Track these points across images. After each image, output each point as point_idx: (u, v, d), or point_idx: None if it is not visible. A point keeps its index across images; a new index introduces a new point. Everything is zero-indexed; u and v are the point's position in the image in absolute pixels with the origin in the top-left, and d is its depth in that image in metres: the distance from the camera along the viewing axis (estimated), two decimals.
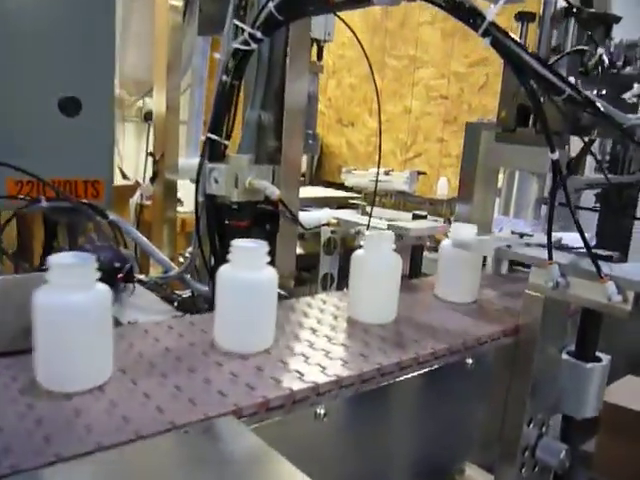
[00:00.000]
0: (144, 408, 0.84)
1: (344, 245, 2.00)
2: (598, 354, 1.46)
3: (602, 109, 1.23)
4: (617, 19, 1.63)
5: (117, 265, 1.45)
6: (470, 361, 1.24)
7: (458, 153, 5.91)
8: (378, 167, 1.95)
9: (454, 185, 5.76)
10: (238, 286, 1.11)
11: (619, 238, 2.13)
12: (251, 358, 1.06)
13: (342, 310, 1.39)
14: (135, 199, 2.56)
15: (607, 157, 2.64)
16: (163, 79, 2.22)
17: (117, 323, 1.35)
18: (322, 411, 0.98)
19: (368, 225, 1.60)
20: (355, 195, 2.05)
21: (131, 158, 5.08)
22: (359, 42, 2.30)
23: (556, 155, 1.16)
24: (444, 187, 5.69)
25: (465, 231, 1.48)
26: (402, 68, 6.35)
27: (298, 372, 1.02)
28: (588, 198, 4.24)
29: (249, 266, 1.09)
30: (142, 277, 1.79)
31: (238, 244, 1.10)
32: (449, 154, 6.01)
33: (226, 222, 1.54)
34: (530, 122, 1.58)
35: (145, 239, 1.73)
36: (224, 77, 1.45)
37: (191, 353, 1.06)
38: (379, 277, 1.34)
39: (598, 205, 2.37)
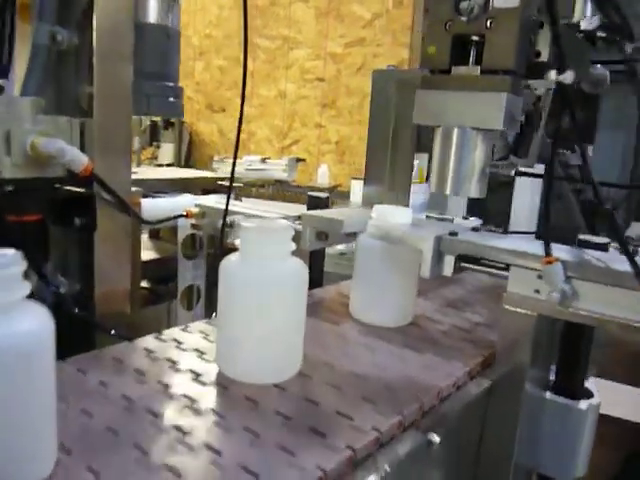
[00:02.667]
0: None
1: (213, 245, 1.41)
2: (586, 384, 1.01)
3: None
4: None
5: None
6: (436, 438, 0.71)
7: (338, 139, 5.46)
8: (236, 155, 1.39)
9: (334, 173, 5.33)
10: None
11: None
12: None
13: (209, 356, 0.80)
14: None
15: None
16: None
17: None
18: None
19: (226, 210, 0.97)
20: (223, 176, 1.46)
21: None
22: None
23: (569, 76, 0.67)
24: (325, 175, 5.22)
25: (395, 217, 0.97)
26: (275, 49, 5.79)
27: None
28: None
29: None
30: None
31: None
32: (328, 140, 5.56)
33: None
34: (471, 58, 1.08)
35: None
36: None
37: None
38: (265, 302, 0.71)
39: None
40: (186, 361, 0.77)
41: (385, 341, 0.90)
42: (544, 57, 0.98)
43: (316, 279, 1.27)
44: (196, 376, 0.73)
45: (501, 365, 0.82)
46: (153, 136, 5.11)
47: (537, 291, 0.78)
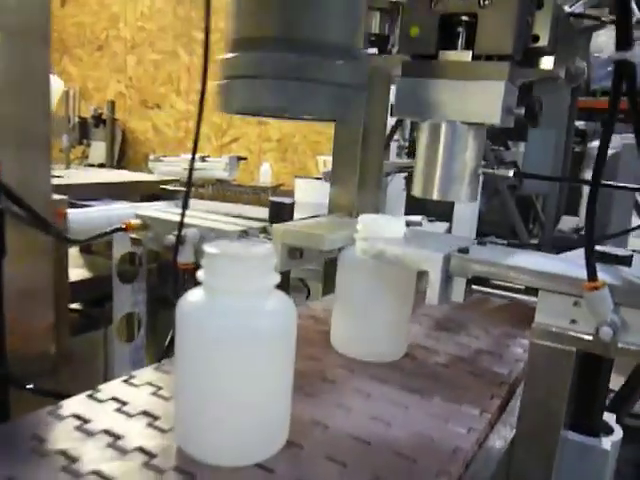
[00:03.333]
0: None
1: (157, 263, 1.18)
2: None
3: None
4: None
5: None
6: None
7: (280, 137, 5.26)
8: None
9: (276, 171, 5.12)
10: None
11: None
12: None
13: (164, 422, 0.58)
14: None
15: (406, 143, 2.51)
16: None
17: None
18: None
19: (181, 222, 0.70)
20: (168, 178, 1.21)
21: None
22: None
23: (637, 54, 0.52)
24: (267, 174, 5.00)
25: (386, 230, 0.79)
26: (213, 43, 5.45)
27: None
28: (399, 182, 3.91)
29: None
30: None
31: None
32: (269, 138, 5.34)
33: None
34: (460, 41, 0.92)
35: None
36: None
37: None
38: (246, 361, 0.49)
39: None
40: (133, 434, 0.56)
41: (379, 382, 0.72)
42: (543, 42, 0.83)
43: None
44: (149, 458, 0.53)
45: (530, 411, 0.67)
46: (83, 134, 4.74)
47: (574, 321, 0.62)
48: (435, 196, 0.91)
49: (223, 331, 0.45)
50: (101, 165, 5.02)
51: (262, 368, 0.49)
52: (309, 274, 1.98)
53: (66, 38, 5.68)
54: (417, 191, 0.93)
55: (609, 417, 0.86)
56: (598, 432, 0.82)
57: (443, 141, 0.89)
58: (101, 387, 0.66)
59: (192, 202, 2.03)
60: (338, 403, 0.66)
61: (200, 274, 0.50)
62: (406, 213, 3.97)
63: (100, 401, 0.63)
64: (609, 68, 5.14)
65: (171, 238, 0.85)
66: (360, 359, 0.79)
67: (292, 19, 0.62)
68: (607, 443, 0.80)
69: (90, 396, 0.64)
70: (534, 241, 4.03)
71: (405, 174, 3.80)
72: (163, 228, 0.93)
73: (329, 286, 1.15)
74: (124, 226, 0.94)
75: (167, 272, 0.90)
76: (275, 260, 0.50)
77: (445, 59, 0.87)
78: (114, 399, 0.63)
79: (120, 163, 5.41)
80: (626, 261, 0.74)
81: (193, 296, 0.50)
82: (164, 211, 0.99)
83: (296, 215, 2.87)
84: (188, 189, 0.67)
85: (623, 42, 0.47)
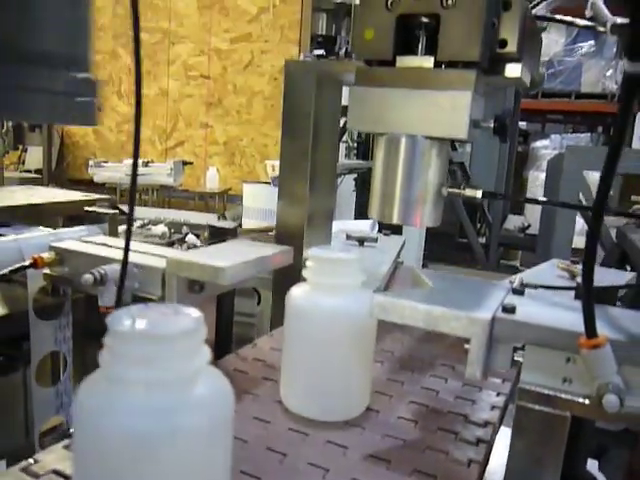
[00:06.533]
0: None
1: (86, 293, 1.02)
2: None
3: None
4: None
5: None
6: None
7: (226, 140, 5.09)
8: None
9: (224, 175, 4.95)
10: None
11: None
12: None
13: None
14: None
15: (354, 144, 2.60)
16: None
17: None
18: None
19: (125, 263, 0.56)
20: (97, 196, 1.04)
21: None
22: None
23: None
24: (214, 179, 4.81)
25: (344, 269, 0.65)
26: (155, 43, 5.21)
27: None
28: (349, 183, 3.85)
29: None
30: None
31: None
32: (216, 141, 5.15)
33: None
34: (420, 46, 0.80)
35: None
36: None
37: None
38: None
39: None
40: None
41: (340, 452, 0.60)
42: (511, 47, 0.72)
43: (224, 338, 0.92)
44: None
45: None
46: (17, 139, 4.44)
47: (567, 380, 0.52)
48: (395, 220, 0.79)
49: (126, 435, 0.33)
50: (37, 171, 4.73)
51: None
52: (259, 282, 1.85)
53: None
54: (374, 213, 0.82)
55: (591, 465, 0.77)
56: None
57: (403, 157, 0.78)
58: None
59: (139, 210, 1.87)
60: None
61: (102, 357, 0.37)
62: (356, 214, 3.91)
63: None
64: (549, 71, 5.21)
65: (88, 278, 0.71)
66: (314, 419, 0.66)
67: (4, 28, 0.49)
68: None
69: None
70: (481, 240, 4.03)
71: (355, 175, 3.74)
72: (81, 263, 0.78)
73: (279, 294, 1.02)
74: (32, 261, 0.79)
75: (96, 302, 0.75)
76: (204, 332, 0.38)
77: (404, 65, 0.75)
78: None
79: (58, 170, 5.12)
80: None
81: (97, 381, 0.37)
82: (85, 241, 0.84)
83: (245, 221, 2.72)
84: (130, 215, 0.52)
85: (637, 52, 0.37)
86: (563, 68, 5.22)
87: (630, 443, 1.17)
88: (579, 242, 2.34)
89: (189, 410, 0.37)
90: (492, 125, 0.76)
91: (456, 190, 0.79)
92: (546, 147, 5.41)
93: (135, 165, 0.41)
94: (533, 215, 4.17)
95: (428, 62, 0.74)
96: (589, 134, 5.55)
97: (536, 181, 5.22)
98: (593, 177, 2.42)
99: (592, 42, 5.05)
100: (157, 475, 0.35)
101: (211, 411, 0.38)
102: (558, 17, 0.90)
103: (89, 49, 0.54)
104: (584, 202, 2.26)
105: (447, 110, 0.73)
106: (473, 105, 0.72)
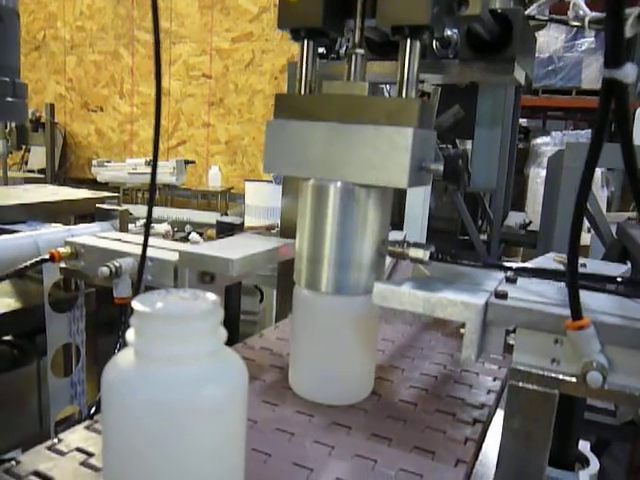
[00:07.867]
0: None
1: (89, 290, 1.06)
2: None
3: None
4: None
5: None
6: None
7: (228, 139, 5.13)
8: None
9: (226, 174, 4.99)
10: None
11: None
12: None
13: None
14: None
15: None
16: None
17: None
18: None
19: (143, 256, 0.51)
20: (106, 194, 1.09)
21: None
22: None
23: (632, 72, 0.45)
24: (216, 177, 4.86)
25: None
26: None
27: None
28: None
29: None
30: None
31: None
32: (217, 140, 5.20)
33: None
34: (358, 10, 0.61)
35: None
36: None
37: None
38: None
39: None
40: None
41: (344, 432, 0.64)
42: (474, 9, 0.58)
43: (233, 331, 0.98)
44: None
45: (509, 460, 0.60)
46: (21, 139, 4.49)
47: (555, 361, 0.56)
48: (323, 289, 0.65)
49: (153, 406, 0.37)
50: (41, 170, 4.78)
51: (201, 450, 0.40)
52: (261, 280, 1.88)
53: None
54: (301, 281, 0.67)
55: (584, 446, 0.81)
56: (574, 465, 0.77)
57: (332, 210, 0.63)
58: (22, 458, 0.55)
59: (134, 208, 1.88)
60: (300, 456, 0.58)
61: (129, 336, 0.41)
62: None
63: (18, 478, 0.53)
64: (549, 67, 5.24)
65: (105, 271, 0.75)
66: (321, 402, 0.70)
67: None
68: (585, 477, 0.75)
69: (7, 471, 0.53)
70: (482, 237, 4.06)
71: None
72: (97, 256, 0.82)
73: (284, 289, 1.06)
74: (51, 255, 0.83)
75: (108, 295, 0.79)
76: (221, 314, 0.42)
77: (332, 92, 0.62)
78: (34, 474, 0.53)
79: (62, 170, 5.16)
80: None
81: (122, 359, 0.41)
82: (99, 237, 0.88)
83: (247, 219, 2.75)
84: (148, 217, 0.56)
85: (613, 59, 0.40)
86: (563, 65, 5.25)
87: (631, 437, 1.21)
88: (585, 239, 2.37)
89: (209, 382, 0.41)
90: (441, 168, 0.61)
91: (398, 249, 0.64)
92: (547, 144, 5.43)
93: (155, 162, 0.45)
94: (534, 212, 4.20)
95: (361, 88, 0.61)
96: (589, 130, 5.58)
97: (537, 177, 5.25)
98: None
99: (592, 39, 5.07)
100: (181, 442, 0.39)
101: (228, 383, 0.42)
102: (544, 17, 0.94)
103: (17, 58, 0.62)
104: None
105: (383, 151, 0.58)
106: (416, 144, 0.57)
